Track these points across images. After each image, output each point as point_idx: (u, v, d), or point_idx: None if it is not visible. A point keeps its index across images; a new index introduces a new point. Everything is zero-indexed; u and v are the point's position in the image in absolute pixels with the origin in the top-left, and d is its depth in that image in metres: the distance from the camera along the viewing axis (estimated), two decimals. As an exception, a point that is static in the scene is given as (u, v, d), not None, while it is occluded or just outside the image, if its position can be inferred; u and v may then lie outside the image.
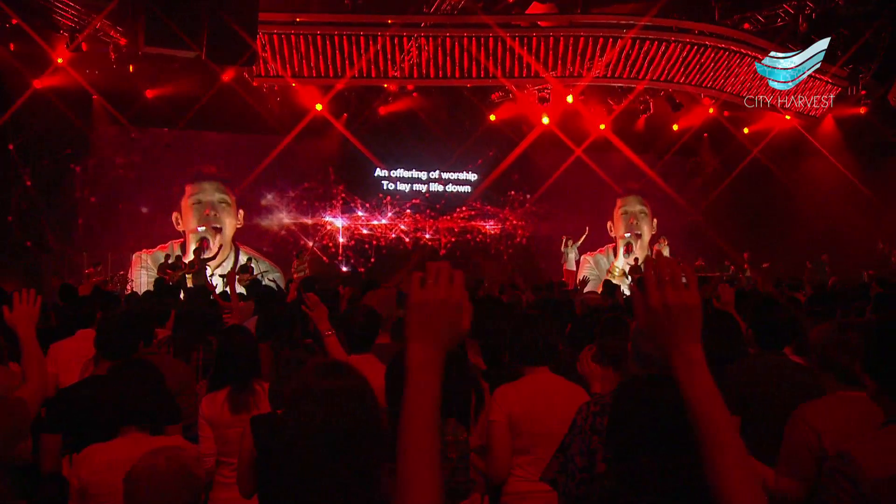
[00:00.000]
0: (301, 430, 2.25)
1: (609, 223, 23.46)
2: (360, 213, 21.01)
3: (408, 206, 21.35)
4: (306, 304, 3.74)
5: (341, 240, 20.85)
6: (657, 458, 1.99)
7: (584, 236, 20.92)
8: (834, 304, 6.20)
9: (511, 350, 3.62)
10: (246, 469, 2.92)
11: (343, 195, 20.85)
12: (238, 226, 20.36)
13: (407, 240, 21.20)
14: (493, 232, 21.84)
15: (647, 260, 1.65)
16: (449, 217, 21.46)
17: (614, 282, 16.64)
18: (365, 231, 21.02)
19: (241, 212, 20.37)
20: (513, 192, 21.93)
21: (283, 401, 3.28)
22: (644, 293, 1.63)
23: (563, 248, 20.80)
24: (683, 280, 1.64)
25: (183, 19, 13.73)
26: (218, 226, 20.04)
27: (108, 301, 6.83)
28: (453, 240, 21.51)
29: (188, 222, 19.86)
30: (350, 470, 2.14)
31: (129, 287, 17.91)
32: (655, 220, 23.60)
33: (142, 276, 18.90)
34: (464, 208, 21.74)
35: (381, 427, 2.37)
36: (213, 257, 18.59)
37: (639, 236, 23.36)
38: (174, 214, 19.77)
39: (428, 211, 21.48)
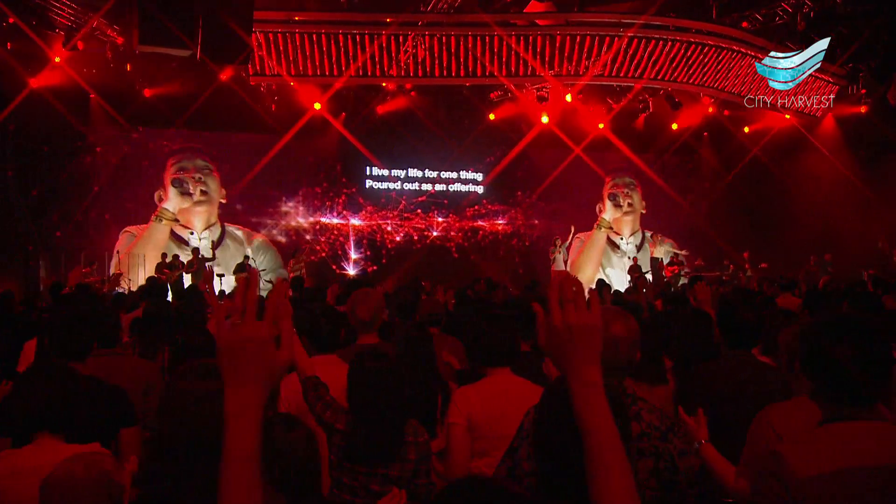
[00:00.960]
0: (173, 433, 2.19)
1: (598, 205, 23.47)
2: (349, 213, 20.93)
3: (409, 205, 21.28)
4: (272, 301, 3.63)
5: (346, 239, 20.77)
6: (577, 463, 1.96)
7: (571, 236, 20.82)
8: (826, 303, 6.11)
9: (471, 351, 3.54)
10: None
11: (345, 193, 20.79)
12: (222, 200, 20.27)
13: (416, 238, 21.15)
14: (494, 231, 21.76)
15: (552, 279, 1.59)
16: (446, 216, 21.38)
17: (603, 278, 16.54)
18: (367, 230, 20.95)
19: (223, 190, 20.31)
20: (517, 192, 21.87)
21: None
22: (546, 312, 1.59)
23: (551, 249, 20.65)
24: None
25: (177, 17, 13.65)
26: (204, 189, 19.99)
27: (92, 299, 6.77)
28: (456, 239, 21.45)
29: (171, 191, 19.80)
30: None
31: (124, 284, 17.84)
32: (644, 202, 23.57)
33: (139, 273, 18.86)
34: (470, 208, 21.68)
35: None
36: (213, 258, 18.55)
37: (628, 198, 23.28)
38: (157, 193, 19.71)
39: (434, 209, 21.43)
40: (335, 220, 20.84)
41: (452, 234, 21.44)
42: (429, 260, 20.61)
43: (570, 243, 21.37)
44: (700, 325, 4.16)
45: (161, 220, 19.43)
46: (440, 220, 21.42)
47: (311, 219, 20.68)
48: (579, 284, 1.61)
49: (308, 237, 20.53)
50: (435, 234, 21.32)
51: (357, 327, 4.54)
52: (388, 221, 21.21)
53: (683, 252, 21.66)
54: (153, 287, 10.89)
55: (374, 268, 20.52)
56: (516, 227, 21.89)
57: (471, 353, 3.54)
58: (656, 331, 4.26)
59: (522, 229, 21.89)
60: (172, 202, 19.60)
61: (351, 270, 20.35)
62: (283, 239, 20.49)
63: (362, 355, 3.23)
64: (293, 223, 20.59)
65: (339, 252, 20.72)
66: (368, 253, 20.88)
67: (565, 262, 20.54)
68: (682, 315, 5.41)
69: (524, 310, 4.48)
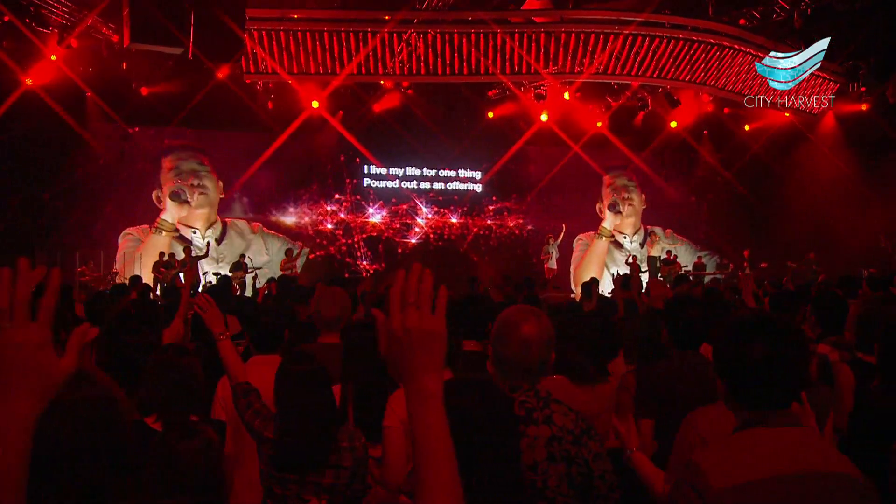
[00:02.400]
0: (43, 442, 2.11)
1: (598, 204, 23.32)
2: (346, 211, 20.89)
3: (411, 204, 21.23)
4: (199, 306, 3.56)
5: (344, 238, 20.71)
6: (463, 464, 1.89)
7: (562, 234, 20.71)
8: (798, 303, 5.98)
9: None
10: None
11: (342, 192, 20.75)
12: (220, 195, 20.26)
13: (415, 240, 21.09)
14: (492, 229, 21.69)
15: (395, 278, 1.49)
16: (442, 215, 21.33)
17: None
18: (365, 229, 20.90)
19: (220, 183, 20.29)
20: (515, 190, 21.80)
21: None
22: (386, 314, 1.49)
23: (544, 248, 20.53)
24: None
25: (169, 15, 13.60)
26: (202, 191, 20.02)
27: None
28: (455, 237, 21.40)
29: (169, 203, 19.81)
30: (84, 483, 1.94)
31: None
32: (644, 195, 23.45)
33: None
34: (466, 207, 21.64)
35: (123, 439, 2.19)
36: (205, 255, 18.53)
37: (629, 202, 23.17)
38: (154, 193, 19.72)
39: (434, 207, 21.37)
40: (330, 224, 20.77)
41: (451, 232, 21.35)
42: (427, 259, 20.55)
43: (561, 241, 21.17)
44: (650, 324, 4.07)
45: (161, 232, 19.45)
46: (434, 217, 21.34)
47: (309, 217, 20.61)
48: (426, 284, 1.48)
49: (306, 236, 20.47)
50: (432, 232, 21.24)
51: (321, 327, 4.47)
52: (387, 220, 21.13)
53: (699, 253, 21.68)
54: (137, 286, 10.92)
55: (383, 265, 20.48)
56: (514, 225, 21.78)
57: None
58: (608, 331, 4.17)
59: (520, 227, 21.78)
60: (171, 212, 19.64)
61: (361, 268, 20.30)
62: (279, 238, 20.42)
63: (289, 358, 3.15)
64: (290, 221, 20.54)
65: (344, 250, 20.64)
66: (370, 253, 20.82)
67: (557, 261, 20.38)
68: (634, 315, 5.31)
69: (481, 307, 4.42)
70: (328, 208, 20.73)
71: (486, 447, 1.94)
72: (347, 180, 20.78)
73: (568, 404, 3.55)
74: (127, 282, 18.07)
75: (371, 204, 21.06)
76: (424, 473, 1.42)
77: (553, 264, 20.05)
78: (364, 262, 20.69)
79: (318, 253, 20.48)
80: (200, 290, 14.39)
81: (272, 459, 3.02)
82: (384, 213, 21.10)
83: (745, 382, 2.11)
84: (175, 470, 2.43)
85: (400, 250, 20.88)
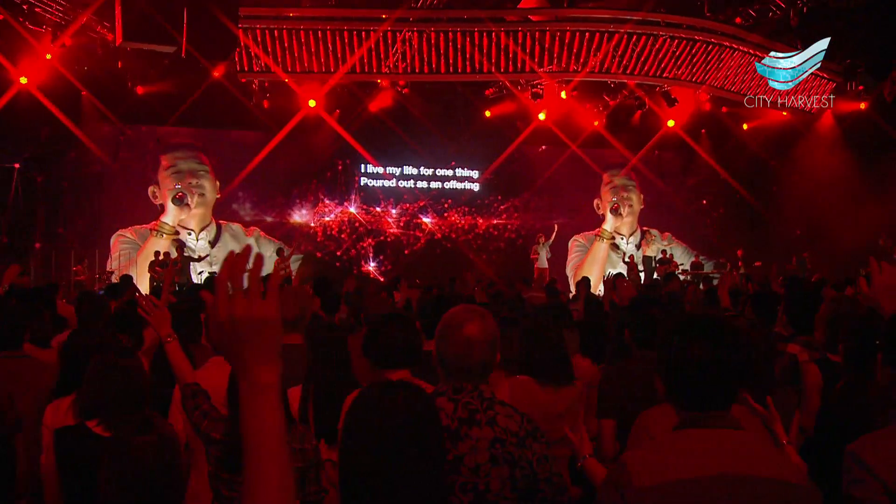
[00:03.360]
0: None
1: (596, 201, 23.29)
2: (343, 209, 20.83)
3: (415, 204, 21.20)
4: (142, 307, 3.51)
5: (349, 239, 20.66)
6: (379, 471, 1.88)
7: (553, 234, 20.62)
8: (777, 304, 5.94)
9: (368, 351, 3.41)
10: (50, 486, 2.72)
11: (340, 192, 20.71)
12: (217, 196, 20.22)
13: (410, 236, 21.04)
14: (490, 228, 21.63)
15: (224, 262, 1.42)
16: (439, 214, 21.29)
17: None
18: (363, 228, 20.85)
19: (218, 182, 20.24)
20: (512, 189, 21.74)
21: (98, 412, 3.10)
22: (213, 302, 1.40)
23: (534, 248, 20.45)
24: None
25: (162, 12, 13.56)
26: (201, 192, 19.95)
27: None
28: (453, 236, 21.35)
29: (165, 195, 19.75)
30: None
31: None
32: (643, 196, 23.40)
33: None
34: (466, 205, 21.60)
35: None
36: (199, 259, 18.52)
37: (628, 203, 23.12)
38: (150, 189, 19.66)
39: (424, 206, 21.32)
40: (325, 221, 20.72)
41: (449, 232, 21.30)
42: (426, 258, 20.51)
43: (555, 241, 21.09)
44: (618, 324, 4.03)
45: (161, 235, 19.40)
46: (431, 219, 21.29)
47: (305, 217, 20.57)
48: (257, 266, 1.42)
49: (302, 236, 20.41)
50: (427, 231, 21.19)
51: (284, 326, 4.41)
52: (387, 219, 21.08)
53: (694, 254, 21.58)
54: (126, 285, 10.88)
55: (389, 266, 20.45)
56: (511, 225, 21.72)
57: (367, 354, 3.41)
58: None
59: (518, 227, 21.71)
60: (171, 215, 19.58)
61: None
62: (274, 242, 20.36)
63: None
64: (287, 220, 20.50)
65: (352, 254, 20.57)
66: (371, 252, 20.79)
67: (548, 260, 20.29)
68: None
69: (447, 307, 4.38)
70: (326, 209, 20.65)
71: (407, 451, 1.91)
72: (337, 181, 20.67)
73: (530, 404, 3.55)
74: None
75: (367, 202, 20.99)
76: (253, 473, 1.35)
77: (544, 264, 19.94)
78: (373, 265, 20.64)
79: (307, 251, 20.39)
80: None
81: (219, 461, 2.98)
82: (393, 213, 21.00)
83: (681, 383, 2.08)
84: (130, 466, 2.39)
85: (407, 251, 20.82)
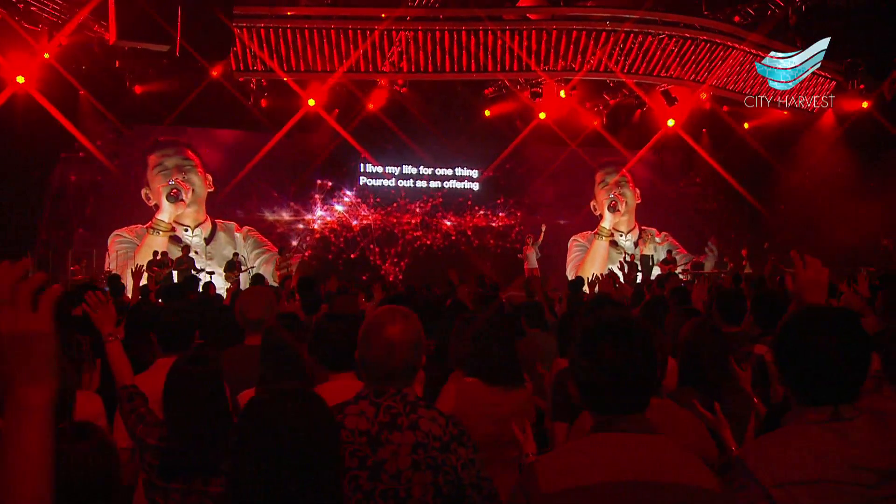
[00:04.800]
0: None
1: (592, 202, 23.15)
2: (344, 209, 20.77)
3: (416, 204, 21.14)
4: (87, 304, 3.43)
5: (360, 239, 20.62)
6: (270, 484, 1.82)
7: (541, 234, 20.49)
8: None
9: (313, 352, 3.33)
10: None
11: (339, 190, 20.64)
12: (209, 189, 20.19)
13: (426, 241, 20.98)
14: (489, 227, 21.54)
15: None
16: (436, 215, 21.22)
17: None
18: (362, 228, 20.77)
19: (208, 176, 20.20)
20: (512, 189, 21.66)
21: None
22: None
23: (523, 247, 20.32)
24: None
25: (155, 11, 13.52)
26: (190, 186, 19.90)
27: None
28: (452, 236, 21.27)
29: (158, 193, 19.73)
30: None
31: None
32: (638, 190, 23.28)
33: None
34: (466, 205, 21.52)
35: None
36: (198, 271, 18.43)
37: (623, 199, 23.02)
38: (143, 191, 19.63)
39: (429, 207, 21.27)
40: (326, 220, 20.67)
41: (448, 230, 21.22)
42: (425, 257, 20.45)
43: (550, 241, 20.98)
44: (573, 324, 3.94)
45: (158, 233, 19.39)
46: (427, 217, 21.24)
47: (306, 217, 20.52)
48: (32, 279, 1.30)
49: (302, 234, 20.36)
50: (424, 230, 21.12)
51: (245, 327, 4.36)
52: (385, 218, 21.01)
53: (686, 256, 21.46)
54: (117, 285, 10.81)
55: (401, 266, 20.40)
56: (511, 224, 21.63)
57: (312, 355, 3.33)
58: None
59: (517, 226, 21.61)
60: (166, 213, 19.55)
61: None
62: (274, 237, 20.33)
63: (181, 359, 3.02)
64: (285, 219, 20.45)
65: (355, 254, 20.51)
66: (376, 250, 20.73)
67: (538, 260, 20.17)
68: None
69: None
70: (325, 209, 20.60)
71: (299, 462, 1.84)
72: (336, 181, 20.60)
73: (477, 406, 3.46)
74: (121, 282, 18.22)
75: (366, 201, 20.92)
76: (6, 496, 1.23)
77: (533, 264, 19.81)
78: (386, 264, 20.57)
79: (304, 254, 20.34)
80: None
81: (154, 468, 2.89)
82: (413, 210, 20.94)
83: (593, 386, 2.02)
84: (63, 475, 2.31)
85: (421, 251, 20.76)
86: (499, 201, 21.63)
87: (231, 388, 3.78)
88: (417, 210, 21.16)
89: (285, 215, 20.46)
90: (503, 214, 21.66)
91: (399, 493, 2.31)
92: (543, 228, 20.57)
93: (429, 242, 20.98)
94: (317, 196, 20.54)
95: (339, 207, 20.67)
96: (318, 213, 20.59)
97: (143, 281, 15.36)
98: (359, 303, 7.39)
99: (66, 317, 5.01)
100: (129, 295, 8.51)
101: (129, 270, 12.43)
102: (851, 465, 1.99)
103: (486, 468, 2.51)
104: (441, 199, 21.35)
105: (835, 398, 2.08)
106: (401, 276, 19.74)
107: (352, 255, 20.44)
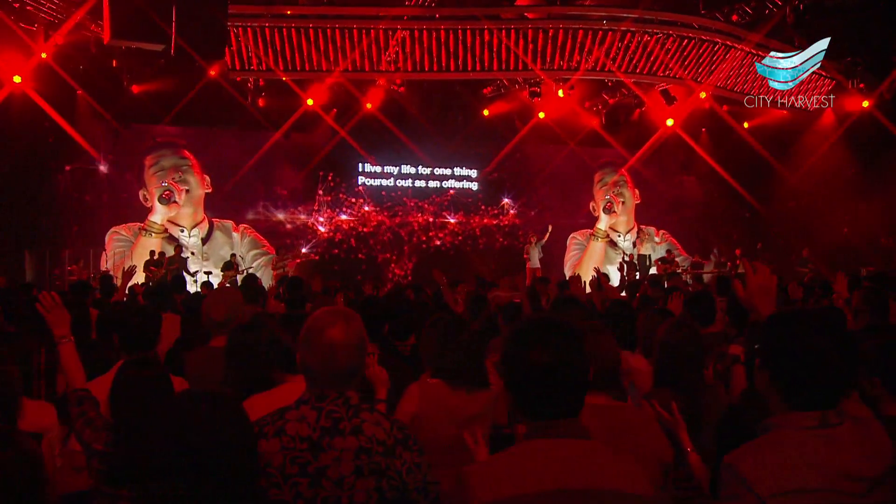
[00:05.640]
0: None
1: (591, 203, 23.08)
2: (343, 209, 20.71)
3: (403, 202, 21.06)
4: (41, 304, 3.37)
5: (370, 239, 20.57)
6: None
7: (547, 234, 20.44)
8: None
9: (269, 354, 3.28)
10: None
11: (338, 190, 20.58)
12: (207, 190, 20.11)
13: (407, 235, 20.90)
14: (489, 227, 21.48)
15: None
16: (434, 214, 21.17)
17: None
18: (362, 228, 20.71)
19: (206, 177, 20.11)
20: (511, 188, 21.60)
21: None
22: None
23: (526, 247, 20.23)
24: None
25: (150, 10, 13.46)
26: (186, 187, 19.82)
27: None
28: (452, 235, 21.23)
29: (153, 194, 19.66)
30: None
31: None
32: (637, 191, 23.19)
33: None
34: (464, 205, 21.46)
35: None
36: (191, 273, 18.37)
37: (620, 199, 22.94)
38: (141, 192, 19.57)
39: (422, 206, 21.19)
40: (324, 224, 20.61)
41: (449, 230, 21.16)
42: (434, 257, 20.38)
43: (553, 240, 20.90)
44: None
45: (150, 234, 19.35)
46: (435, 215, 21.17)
47: (303, 216, 20.47)
48: None
49: (300, 237, 20.28)
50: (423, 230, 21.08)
51: (210, 328, 4.32)
52: (387, 219, 20.95)
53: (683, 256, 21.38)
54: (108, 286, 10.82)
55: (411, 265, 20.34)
56: (510, 224, 21.56)
57: (269, 357, 3.28)
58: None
59: (516, 225, 21.55)
60: (160, 214, 19.49)
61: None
62: (273, 236, 20.28)
63: (128, 363, 2.97)
64: (283, 219, 20.40)
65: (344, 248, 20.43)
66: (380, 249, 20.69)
67: (540, 260, 20.10)
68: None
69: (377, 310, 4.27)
70: (324, 208, 20.55)
71: (217, 461, 1.79)
72: (335, 181, 20.53)
73: (440, 408, 3.41)
74: (120, 281, 18.19)
75: (365, 201, 20.85)
76: None
77: (535, 264, 19.74)
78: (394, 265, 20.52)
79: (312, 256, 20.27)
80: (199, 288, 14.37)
81: (101, 474, 2.84)
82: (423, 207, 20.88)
83: (525, 390, 1.97)
84: None
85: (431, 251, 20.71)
86: (503, 203, 21.56)
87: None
88: (427, 206, 21.06)
89: (281, 215, 20.39)
90: (513, 213, 21.57)
91: (342, 500, 2.26)
92: (549, 228, 20.54)
93: (438, 244, 20.89)
94: (321, 192, 20.43)
95: (344, 216, 20.59)
96: (322, 212, 20.46)
97: (140, 280, 15.48)
98: (336, 303, 7.34)
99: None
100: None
101: (122, 270, 12.43)
102: (842, 474, 1.95)
103: (443, 471, 2.47)
104: (448, 199, 21.27)
105: (823, 403, 2.03)
106: (409, 277, 19.66)
107: (360, 255, 20.32)
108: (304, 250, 19.75)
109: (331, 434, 2.29)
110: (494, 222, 21.43)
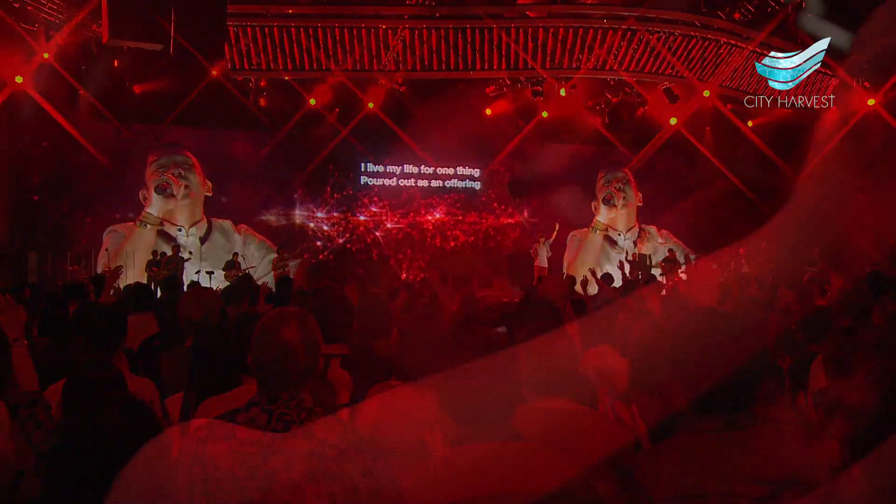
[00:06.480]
0: None
1: (593, 203, 22.99)
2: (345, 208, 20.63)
3: (404, 201, 20.99)
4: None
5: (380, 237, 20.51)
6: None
7: (555, 233, 20.36)
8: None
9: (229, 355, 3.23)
10: None
11: (339, 189, 20.52)
12: (207, 193, 20.00)
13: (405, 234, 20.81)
14: (491, 226, 21.40)
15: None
16: (433, 214, 21.10)
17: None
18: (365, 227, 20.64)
19: (208, 182, 19.97)
20: (513, 188, 21.52)
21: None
22: None
23: (535, 246, 20.17)
24: None
25: (149, 9, 13.45)
26: (185, 183, 19.64)
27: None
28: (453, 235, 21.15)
29: (152, 186, 19.50)
30: None
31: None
32: (640, 194, 23.08)
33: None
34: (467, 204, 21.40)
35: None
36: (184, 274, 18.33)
37: (621, 194, 22.84)
38: (140, 192, 19.44)
39: (427, 207, 21.12)
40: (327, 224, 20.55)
41: (450, 230, 21.09)
42: (425, 257, 20.34)
43: (555, 240, 20.80)
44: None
45: (146, 226, 19.27)
46: (438, 216, 21.09)
47: (305, 216, 20.42)
48: None
49: (300, 237, 20.21)
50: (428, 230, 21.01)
51: (185, 329, 4.28)
52: (388, 218, 20.89)
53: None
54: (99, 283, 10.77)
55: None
56: (513, 223, 21.48)
57: (230, 357, 3.23)
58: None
59: (519, 225, 21.47)
60: (156, 206, 19.36)
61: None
62: (261, 241, 20.22)
63: (83, 365, 2.92)
64: (286, 219, 20.36)
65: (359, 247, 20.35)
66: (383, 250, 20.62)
67: (548, 259, 20.02)
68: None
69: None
70: (325, 208, 20.49)
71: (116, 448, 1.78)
72: (335, 181, 20.46)
73: (399, 412, 3.33)
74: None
75: (368, 200, 20.78)
76: None
77: (544, 263, 19.70)
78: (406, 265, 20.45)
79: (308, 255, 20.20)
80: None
81: (48, 480, 2.76)
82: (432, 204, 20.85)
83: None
84: None
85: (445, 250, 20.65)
86: (508, 207, 21.48)
87: (168, 392, 3.68)
88: (436, 202, 20.98)
89: (282, 215, 20.33)
90: (527, 213, 21.49)
91: (292, 505, 2.20)
92: (557, 227, 20.47)
93: (453, 244, 20.82)
94: (329, 188, 20.32)
95: (361, 216, 20.51)
96: (332, 210, 20.38)
97: (139, 280, 15.45)
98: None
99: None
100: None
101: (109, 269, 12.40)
102: (744, 477, 1.92)
103: (399, 476, 2.41)
104: (461, 201, 21.20)
105: (729, 407, 1.98)
106: (421, 276, 19.56)
107: (374, 255, 20.23)
108: (305, 253, 19.69)
109: (282, 437, 2.23)
110: (510, 221, 21.33)
